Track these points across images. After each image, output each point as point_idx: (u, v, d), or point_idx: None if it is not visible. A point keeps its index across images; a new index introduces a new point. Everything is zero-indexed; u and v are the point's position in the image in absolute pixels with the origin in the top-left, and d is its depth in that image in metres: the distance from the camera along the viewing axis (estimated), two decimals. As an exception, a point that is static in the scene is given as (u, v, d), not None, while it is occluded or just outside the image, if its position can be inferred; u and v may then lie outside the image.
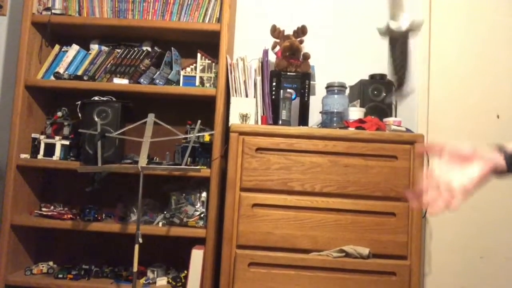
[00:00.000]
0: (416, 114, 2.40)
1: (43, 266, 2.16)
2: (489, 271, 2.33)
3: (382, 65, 2.41)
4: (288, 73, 2.14)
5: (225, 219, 1.87)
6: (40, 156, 2.18)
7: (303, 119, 2.13)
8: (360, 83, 2.24)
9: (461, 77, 2.42)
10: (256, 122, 2.10)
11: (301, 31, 2.23)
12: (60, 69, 2.25)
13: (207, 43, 2.25)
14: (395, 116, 2.33)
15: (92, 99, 2.16)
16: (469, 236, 2.36)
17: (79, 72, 2.25)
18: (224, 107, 2.10)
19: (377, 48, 2.45)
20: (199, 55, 2.22)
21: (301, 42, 2.22)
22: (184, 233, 2.04)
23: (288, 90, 2.10)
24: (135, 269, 1.78)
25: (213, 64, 2.23)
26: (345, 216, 1.85)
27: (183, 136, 2.05)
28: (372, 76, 2.29)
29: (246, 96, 2.12)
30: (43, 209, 2.26)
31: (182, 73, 2.24)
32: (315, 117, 2.32)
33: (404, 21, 0.98)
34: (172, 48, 2.27)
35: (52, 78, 2.22)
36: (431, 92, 2.41)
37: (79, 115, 2.17)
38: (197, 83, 2.22)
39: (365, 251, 1.80)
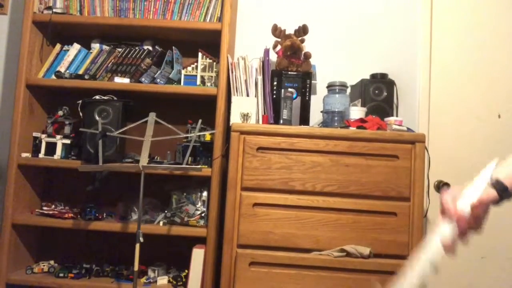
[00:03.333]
0: (417, 114, 2.39)
1: (44, 265, 2.16)
2: (490, 272, 2.33)
3: (383, 65, 2.41)
4: (289, 72, 2.14)
5: (226, 219, 1.87)
6: (41, 155, 2.18)
7: (304, 119, 2.13)
8: (361, 82, 2.24)
9: (462, 77, 2.42)
10: (257, 121, 2.10)
11: (302, 30, 2.22)
12: (61, 68, 2.25)
13: (208, 42, 2.25)
14: (396, 116, 2.33)
15: (93, 98, 2.16)
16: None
17: (80, 71, 2.26)
18: (225, 106, 2.10)
19: (379, 47, 2.45)
20: (200, 54, 2.22)
21: (302, 41, 2.22)
22: (185, 232, 2.04)
23: (289, 89, 2.09)
24: (136, 268, 1.78)
25: (214, 63, 2.22)
26: (346, 216, 1.85)
27: (184, 135, 2.05)
28: (373, 76, 2.29)
29: (247, 95, 2.12)
30: (44, 208, 2.27)
31: (183, 72, 2.24)
32: (316, 116, 2.32)
33: None
34: (173, 47, 2.27)
35: (53, 77, 2.22)
36: (432, 92, 2.40)
37: (80, 114, 2.17)
38: (198, 82, 2.21)
39: (366, 250, 1.80)
